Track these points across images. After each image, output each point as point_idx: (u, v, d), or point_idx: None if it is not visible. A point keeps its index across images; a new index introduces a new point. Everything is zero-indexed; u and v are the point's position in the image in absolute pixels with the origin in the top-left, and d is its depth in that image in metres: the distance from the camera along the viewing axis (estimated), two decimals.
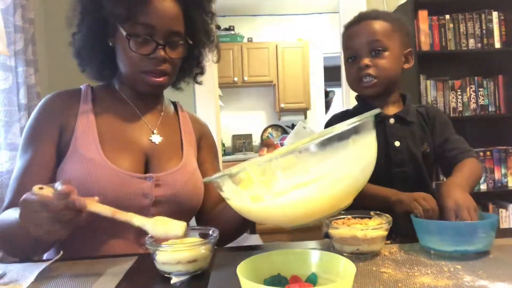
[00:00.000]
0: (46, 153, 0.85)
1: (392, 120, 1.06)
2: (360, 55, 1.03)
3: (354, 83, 1.07)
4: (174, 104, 1.07)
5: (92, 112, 0.89)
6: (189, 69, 1.00)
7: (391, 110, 1.09)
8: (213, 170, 1.02)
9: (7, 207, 0.81)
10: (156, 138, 0.93)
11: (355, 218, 0.76)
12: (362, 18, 1.06)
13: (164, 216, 0.80)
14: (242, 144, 4.53)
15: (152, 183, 0.85)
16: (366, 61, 1.01)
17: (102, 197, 0.76)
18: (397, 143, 1.04)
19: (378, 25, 1.03)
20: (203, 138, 1.04)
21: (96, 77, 0.95)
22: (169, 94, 1.05)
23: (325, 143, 0.53)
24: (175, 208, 0.88)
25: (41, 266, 0.67)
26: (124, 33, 0.83)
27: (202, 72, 1.05)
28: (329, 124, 1.15)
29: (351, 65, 1.07)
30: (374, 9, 1.10)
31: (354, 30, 1.06)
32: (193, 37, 0.92)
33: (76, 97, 0.91)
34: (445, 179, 0.94)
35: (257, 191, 0.56)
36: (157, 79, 0.86)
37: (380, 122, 1.05)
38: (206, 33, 0.96)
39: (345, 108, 2.32)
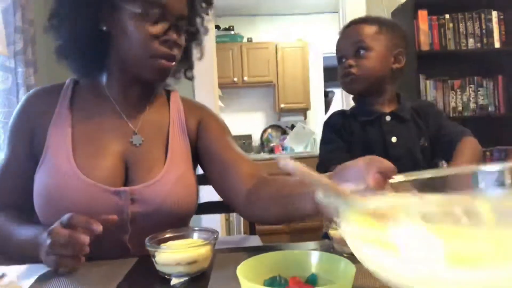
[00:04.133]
0: (18, 160, 0.82)
1: (388, 118, 1.10)
2: (346, 56, 1.11)
3: (341, 82, 1.15)
4: (168, 94, 0.98)
5: (68, 113, 0.83)
6: (185, 59, 0.94)
7: (387, 108, 1.13)
8: (227, 146, 0.90)
9: None
10: (137, 139, 0.85)
11: None
12: (351, 23, 1.15)
13: (144, 232, 0.69)
14: (242, 144, 4.53)
15: (127, 198, 0.77)
16: (350, 61, 1.10)
17: (76, 211, 0.67)
18: (394, 139, 1.07)
19: (364, 28, 1.11)
20: (203, 120, 0.94)
21: (82, 72, 0.87)
22: None
23: None
24: (158, 223, 0.78)
25: (42, 268, 0.67)
26: (138, 10, 0.76)
27: (187, 69, 0.98)
28: (328, 122, 1.19)
29: (340, 65, 1.15)
30: (367, 15, 1.19)
31: (344, 33, 1.16)
32: (192, 25, 0.89)
33: (55, 95, 0.85)
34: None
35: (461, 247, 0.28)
36: (168, 63, 0.80)
37: (376, 119, 1.09)
38: (202, 24, 0.92)
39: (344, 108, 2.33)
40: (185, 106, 0.95)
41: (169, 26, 0.78)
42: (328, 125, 1.18)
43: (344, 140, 1.13)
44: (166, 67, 0.80)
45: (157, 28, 0.77)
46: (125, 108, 0.87)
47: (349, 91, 1.17)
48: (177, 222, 0.80)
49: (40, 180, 0.78)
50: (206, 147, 0.91)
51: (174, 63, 0.82)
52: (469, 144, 1.01)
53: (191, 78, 1.00)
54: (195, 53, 0.97)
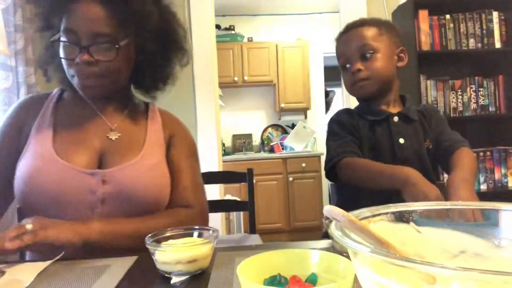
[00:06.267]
0: (3, 156, 0.89)
1: (396, 118, 1.09)
2: (352, 61, 1.09)
3: (350, 87, 1.12)
4: (147, 104, 1.04)
5: (52, 113, 0.92)
6: (142, 76, 0.96)
7: (392, 109, 1.12)
8: (190, 170, 0.98)
9: None
10: (114, 135, 0.92)
11: None
12: (349, 27, 1.14)
13: (114, 215, 0.84)
14: (242, 144, 4.54)
15: (99, 179, 0.84)
16: (358, 65, 1.08)
17: (50, 192, 0.81)
18: (401, 140, 1.07)
19: (365, 31, 1.10)
20: (175, 136, 1.00)
21: (62, 83, 0.96)
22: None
23: None
24: (127, 207, 0.86)
25: (42, 266, 0.67)
26: (54, 37, 0.85)
27: (163, 79, 0.99)
28: (335, 119, 1.17)
29: (345, 71, 1.12)
30: (361, 18, 1.18)
31: (344, 38, 1.14)
32: (134, 39, 0.89)
33: (42, 101, 0.94)
34: (445, 176, 0.96)
35: None
36: (84, 82, 0.85)
37: (384, 120, 1.09)
38: (149, 34, 0.90)
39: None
40: (162, 116, 1.02)
41: (79, 48, 0.83)
42: (335, 122, 1.16)
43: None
44: (84, 85, 0.86)
45: (70, 53, 0.84)
46: (104, 110, 0.95)
47: (360, 96, 1.15)
48: (146, 211, 0.87)
49: (22, 165, 0.85)
50: (167, 162, 0.96)
51: (92, 80, 0.85)
52: (467, 155, 1.01)
53: (155, 98, 1.03)
54: (177, 60, 0.99)
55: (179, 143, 1.00)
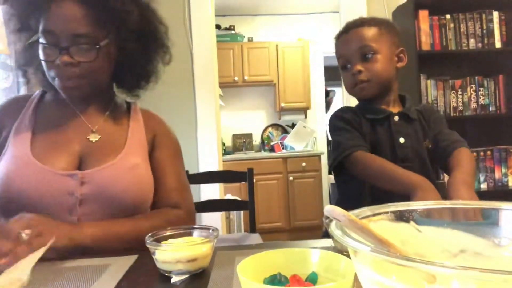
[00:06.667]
0: None
1: (396, 118, 1.09)
2: (352, 62, 1.08)
3: (350, 89, 1.12)
4: (129, 104, 1.03)
5: (32, 114, 0.91)
6: (124, 75, 0.96)
7: (392, 108, 1.13)
8: (176, 170, 0.98)
9: None
10: (94, 137, 0.91)
11: None
12: (349, 27, 1.12)
13: (93, 217, 0.82)
14: (242, 143, 4.54)
15: (78, 181, 0.83)
16: (358, 67, 1.07)
17: (28, 195, 0.79)
18: (402, 140, 1.07)
19: (365, 31, 1.08)
20: (159, 136, 0.99)
21: (42, 85, 0.96)
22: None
23: None
24: (106, 208, 0.85)
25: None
26: (33, 39, 0.84)
27: (145, 77, 0.99)
28: (338, 115, 1.17)
29: (345, 72, 1.11)
30: (361, 17, 1.15)
31: (344, 39, 1.12)
32: (114, 40, 0.88)
33: (24, 102, 0.93)
34: (444, 176, 0.96)
35: None
36: (65, 84, 0.84)
37: (385, 119, 1.09)
38: (129, 33, 0.89)
39: None
40: (145, 116, 1.01)
41: (58, 50, 0.82)
42: (340, 118, 1.16)
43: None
44: (63, 87, 0.84)
45: (50, 54, 0.83)
46: (84, 111, 0.94)
47: (361, 97, 1.14)
48: (127, 212, 0.86)
49: (0, 168, 0.84)
50: (151, 163, 0.95)
51: (72, 81, 0.84)
52: (465, 156, 1.00)
53: (137, 96, 1.02)
54: (159, 59, 0.98)
55: (163, 144, 0.98)
